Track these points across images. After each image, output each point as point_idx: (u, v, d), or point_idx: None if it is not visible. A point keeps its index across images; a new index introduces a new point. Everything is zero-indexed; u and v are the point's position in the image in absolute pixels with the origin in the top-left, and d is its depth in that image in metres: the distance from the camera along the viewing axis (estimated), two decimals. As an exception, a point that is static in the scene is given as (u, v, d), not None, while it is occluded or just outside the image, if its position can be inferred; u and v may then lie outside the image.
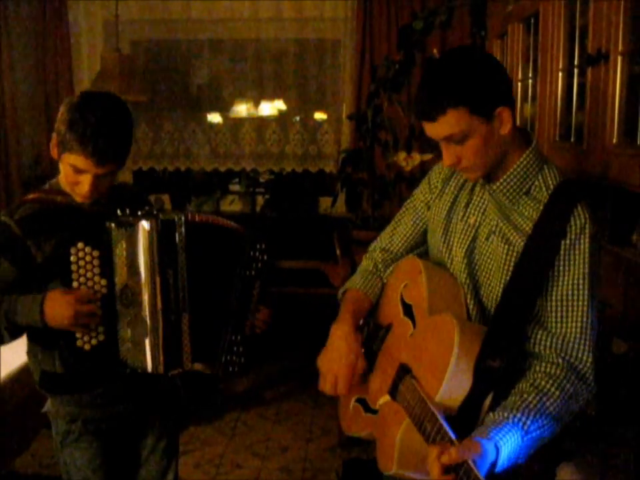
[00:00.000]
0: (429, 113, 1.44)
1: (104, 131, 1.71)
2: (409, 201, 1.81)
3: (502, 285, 1.50)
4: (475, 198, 1.61)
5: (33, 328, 1.78)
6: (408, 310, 1.62)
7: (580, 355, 1.43)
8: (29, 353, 1.88)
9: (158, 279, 1.76)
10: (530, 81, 2.78)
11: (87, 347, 1.76)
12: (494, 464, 1.26)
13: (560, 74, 2.34)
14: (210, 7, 4.77)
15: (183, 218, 1.78)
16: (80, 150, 1.70)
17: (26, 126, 4.74)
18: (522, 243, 1.48)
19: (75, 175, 1.75)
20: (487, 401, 1.40)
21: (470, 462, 1.19)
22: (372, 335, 1.71)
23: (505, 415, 1.34)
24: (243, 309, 1.88)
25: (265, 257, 1.89)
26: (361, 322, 1.75)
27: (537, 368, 1.43)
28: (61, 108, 1.76)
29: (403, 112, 3.63)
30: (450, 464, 1.21)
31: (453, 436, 1.27)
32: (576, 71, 2.25)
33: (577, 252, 1.44)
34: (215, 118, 5.08)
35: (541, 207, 1.48)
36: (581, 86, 2.19)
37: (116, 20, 4.21)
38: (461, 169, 1.51)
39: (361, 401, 1.70)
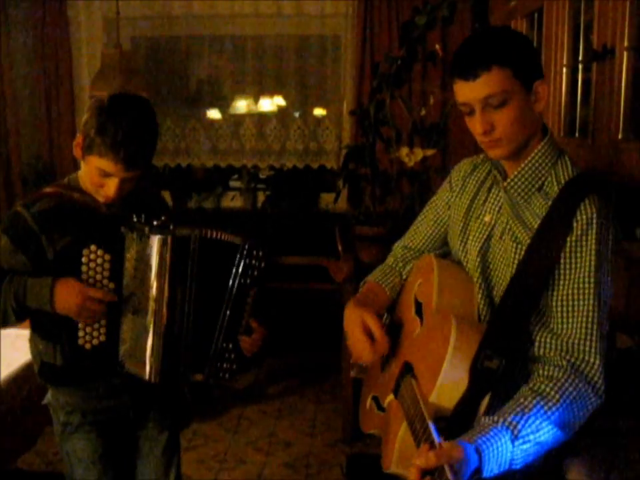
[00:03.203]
0: (473, 70, 1.39)
1: (135, 136, 1.69)
2: (431, 200, 1.78)
3: None
4: (491, 196, 1.58)
5: (38, 318, 1.79)
6: (419, 308, 1.60)
7: (586, 357, 1.35)
8: (30, 341, 1.88)
9: (167, 293, 1.77)
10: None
11: (87, 345, 1.78)
12: (478, 469, 1.20)
13: (564, 70, 2.34)
14: (210, 3, 4.76)
15: (197, 235, 1.78)
16: (111, 155, 1.68)
17: (26, 123, 4.73)
18: (529, 241, 1.43)
19: (100, 178, 1.75)
20: (484, 403, 1.35)
21: (446, 467, 1.12)
22: (388, 332, 1.70)
23: (495, 418, 1.28)
24: (236, 317, 1.87)
25: (262, 264, 1.86)
26: (384, 317, 1.73)
27: (540, 372, 1.37)
28: (87, 109, 1.74)
29: (405, 107, 3.63)
30: (426, 468, 1.15)
31: (436, 439, 1.21)
32: (580, 66, 2.25)
33: (583, 248, 1.37)
34: (215, 114, 5.07)
35: (550, 203, 1.43)
36: (586, 81, 2.19)
37: (116, 16, 4.20)
38: (492, 140, 1.44)
39: (376, 399, 1.70)
